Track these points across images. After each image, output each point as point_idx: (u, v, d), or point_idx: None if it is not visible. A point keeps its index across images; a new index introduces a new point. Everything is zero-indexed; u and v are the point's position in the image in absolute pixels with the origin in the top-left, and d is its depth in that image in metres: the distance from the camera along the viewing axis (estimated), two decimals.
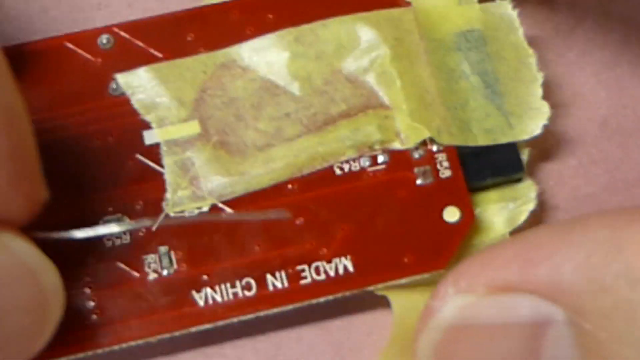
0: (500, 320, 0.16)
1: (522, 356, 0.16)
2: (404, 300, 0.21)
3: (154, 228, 0.21)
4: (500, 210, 0.23)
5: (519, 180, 0.23)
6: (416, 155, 0.22)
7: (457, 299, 0.17)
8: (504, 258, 0.17)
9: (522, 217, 0.23)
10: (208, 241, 0.22)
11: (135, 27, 0.23)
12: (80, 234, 0.20)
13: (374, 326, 0.22)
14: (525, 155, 0.23)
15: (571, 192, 0.24)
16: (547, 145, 0.24)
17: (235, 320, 0.21)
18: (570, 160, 0.24)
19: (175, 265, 0.21)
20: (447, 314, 0.17)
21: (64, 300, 0.19)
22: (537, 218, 0.23)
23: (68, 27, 0.23)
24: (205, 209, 0.22)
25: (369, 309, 0.22)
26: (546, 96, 0.23)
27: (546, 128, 0.23)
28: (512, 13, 0.24)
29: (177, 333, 0.21)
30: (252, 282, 0.21)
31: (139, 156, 0.22)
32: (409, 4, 0.23)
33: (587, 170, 0.24)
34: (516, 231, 0.23)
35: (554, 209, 0.24)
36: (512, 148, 0.23)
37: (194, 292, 0.21)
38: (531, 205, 0.23)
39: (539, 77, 0.23)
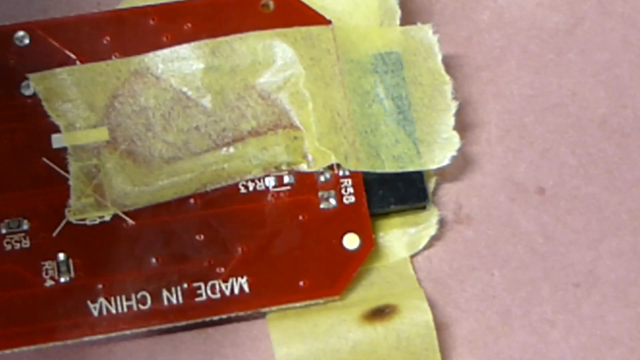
0: None
1: None
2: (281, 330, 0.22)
3: (54, 234, 0.22)
4: (402, 235, 0.23)
5: (423, 208, 0.23)
6: (322, 178, 0.22)
7: None
8: None
9: (423, 242, 0.23)
10: (108, 251, 0.22)
11: (53, 26, 0.23)
12: None
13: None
14: (432, 183, 0.23)
15: (571, 192, 0.24)
16: (546, 145, 0.24)
17: (128, 332, 0.21)
18: (570, 160, 0.24)
19: (72, 273, 0.21)
20: None
21: None
22: (537, 217, 0.23)
23: None
24: (108, 218, 0.22)
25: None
26: (546, 96, 0.23)
27: (546, 128, 0.23)
28: (432, 38, 0.23)
29: (69, 342, 0.21)
30: (148, 296, 0.21)
31: (45, 159, 0.22)
32: (329, 22, 0.23)
33: (587, 170, 0.24)
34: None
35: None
36: (419, 176, 0.23)
37: (89, 302, 0.21)
38: (432, 231, 0.23)
39: (453, 106, 0.23)
